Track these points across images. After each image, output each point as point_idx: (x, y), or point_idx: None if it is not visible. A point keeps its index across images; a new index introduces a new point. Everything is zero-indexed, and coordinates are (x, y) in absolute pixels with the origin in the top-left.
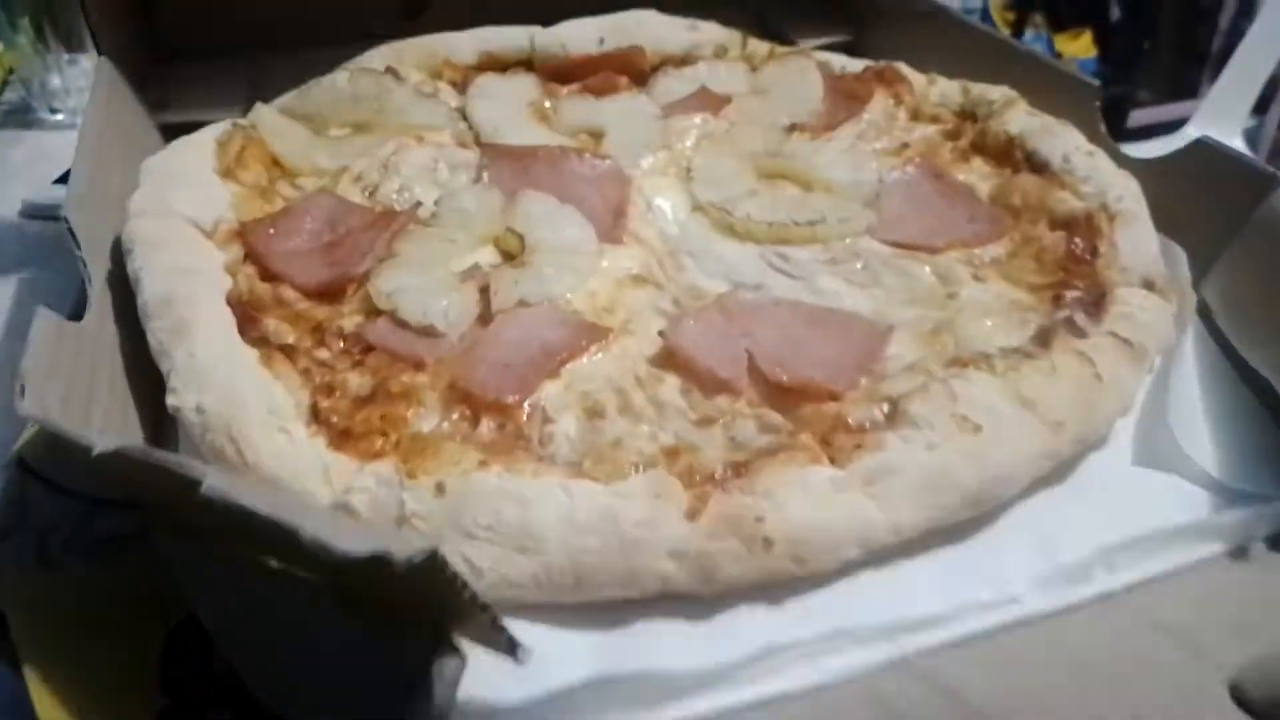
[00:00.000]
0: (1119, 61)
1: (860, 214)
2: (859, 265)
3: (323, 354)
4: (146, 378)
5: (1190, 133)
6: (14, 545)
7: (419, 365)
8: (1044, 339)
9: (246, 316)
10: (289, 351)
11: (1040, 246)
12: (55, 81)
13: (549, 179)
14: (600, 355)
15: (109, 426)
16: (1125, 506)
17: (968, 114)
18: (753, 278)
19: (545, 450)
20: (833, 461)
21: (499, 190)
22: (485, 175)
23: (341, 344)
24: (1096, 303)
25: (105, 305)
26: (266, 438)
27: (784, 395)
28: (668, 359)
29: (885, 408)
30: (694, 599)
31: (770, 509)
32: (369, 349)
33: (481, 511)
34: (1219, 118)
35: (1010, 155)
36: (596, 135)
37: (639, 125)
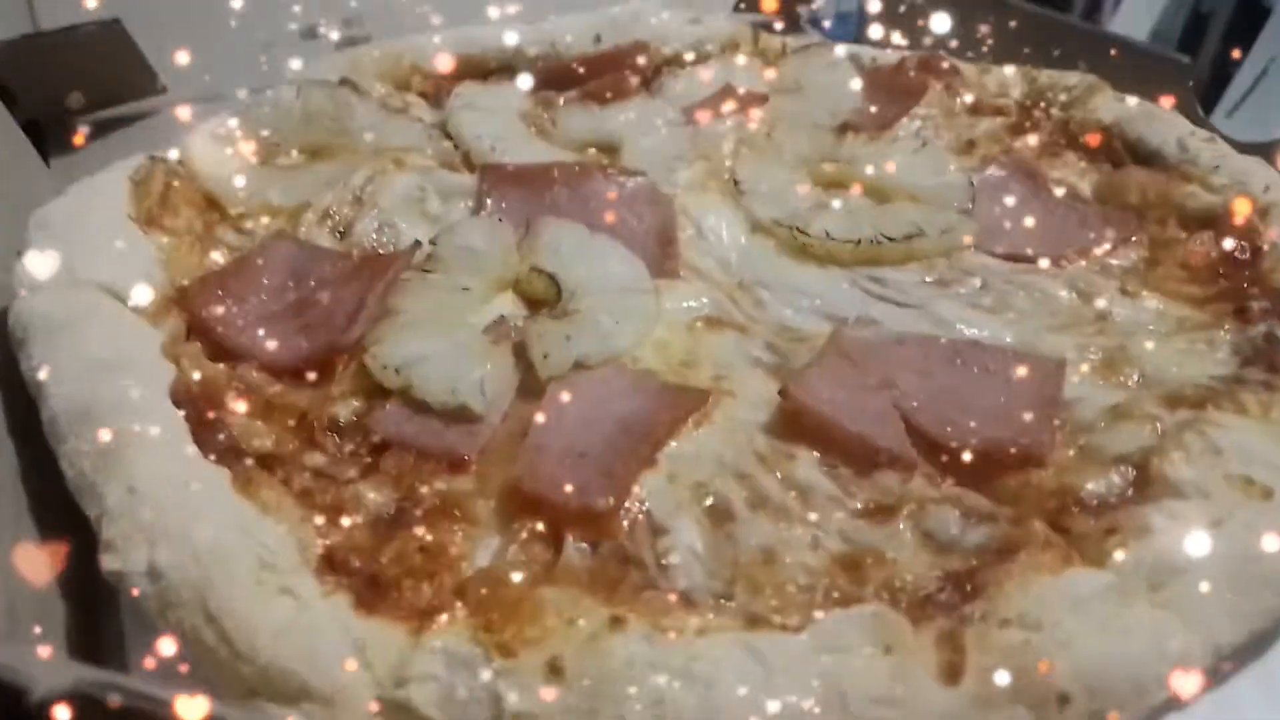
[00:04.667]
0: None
1: (961, 223)
2: (976, 284)
3: (315, 459)
4: (63, 524)
5: None
6: None
7: (457, 464)
8: (1262, 361)
9: (204, 418)
10: (274, 464)
11: (1186, 251)
12: None
13: (570, 204)
14: (702, 429)
15: (20, 624)
16: None
17: (1037, 104)
18: (852, 309)
19: (671, 578)
20: (1084, 557)
21: (508, 221)
22: (488, 203)
23: (338, 441)
24: None
25: None
26: (263, 607)
27: (967, 465)
28: (792, 425)
29: (1128, 472)
30: None
31: (1053, 645)
32: (381, 446)
33: (636, 704)
34: None
35: (1107, 147)
36: (609, 149)
37: (662, 133)
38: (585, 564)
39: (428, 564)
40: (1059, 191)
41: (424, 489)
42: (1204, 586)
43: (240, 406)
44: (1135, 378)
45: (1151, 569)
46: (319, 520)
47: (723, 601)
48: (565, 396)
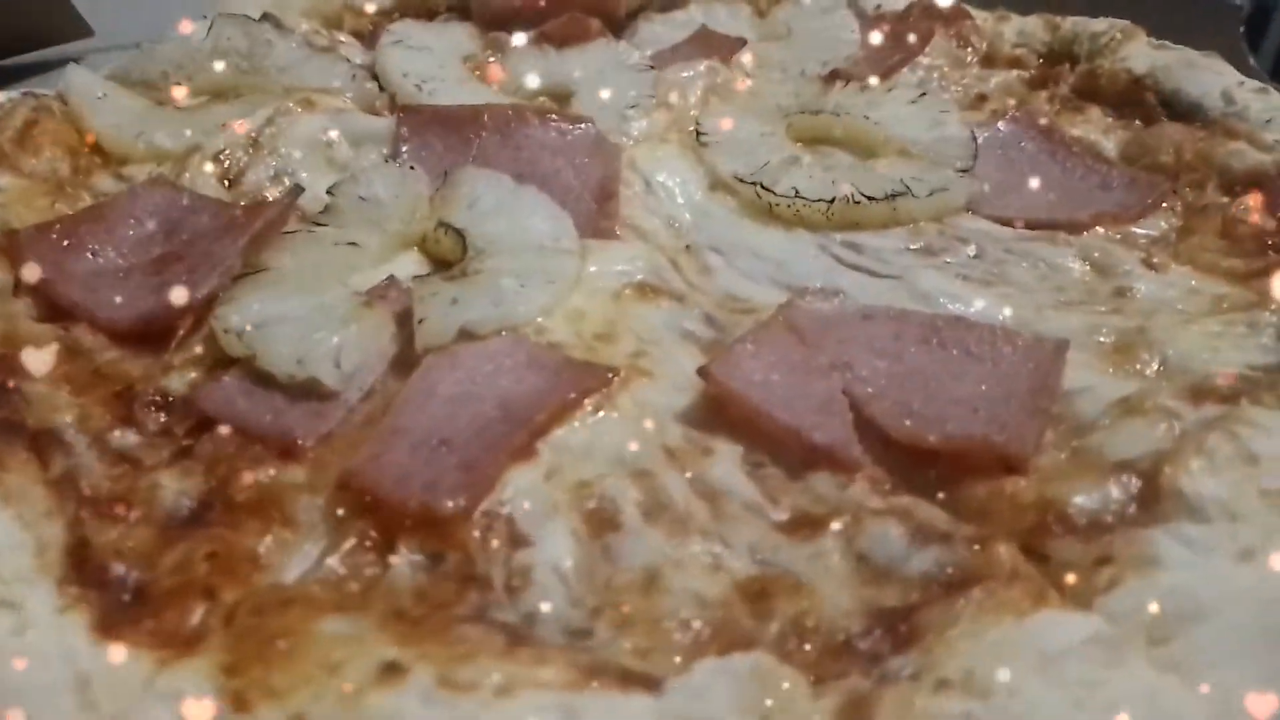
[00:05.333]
0: None
1: (958, 182)
2: (970, 253)
3: (128, 439)
4: None
5: None
6: None
7: (288, 452)
8: None
9: None
10: (42, 445)
11: (1225, 217)
12: None
13: (501, 152)
14: (602, 415)
15: None
16: None
17: (1061, 54)
18: (817, 278)
19: (517, 604)
20: (1063, 595)
21: (425, 170)
22: (405, 150)
23: (163, 419)
24: None
25: None
26: None
27: (926, 467)
28: (716, 414)
29: (1131, 482)
30: None
31: None
32: (206, 426)
33: None
34: None
35: (1138, 100)
36: (562, 97)
37: (621, 79)
38: (415, 582)
39: (214, 576)
40: (1078, 151)
41: (239, 484)
42: (1226, 641)
43: (52, 375)
44: (1155, 366)
45: (1155, 615)
46: (74, 516)
47: (578, 640)
48: (439, 371)
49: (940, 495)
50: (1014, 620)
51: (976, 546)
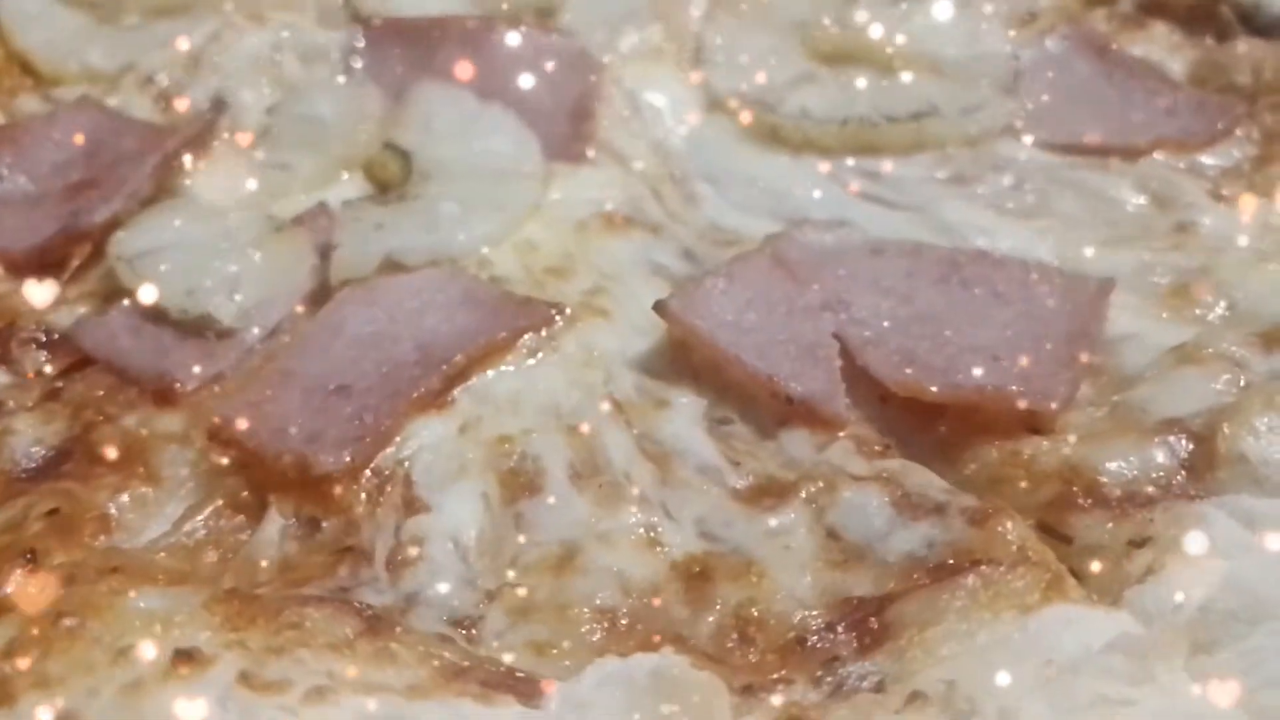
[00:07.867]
0: None
1: (996, 101)
2: (1006, 183)
3: None
4: None
5: None
6: None
7: (164, 396)
8: None
9: None
10: None
11: None
12: None
13: (467, 66)
14: (540, 359)
15: None
16: None
17: None
18: (822, 209)
19: (399, 584)
20: (1085, 584)
21: (381, 87)
22: (359, 65)
23: (43, 358)
24: None
25: None
26: None
27: (928, 428)
28: (678, 361)
29: (1180, 444)
30: None
31: None
32: (82, 365)
33: None
34: None
35: (1210, 14)
36: (548, 11)
37: None
38: (283, 552)
39: (47, 537)
40: (1139, 71)
41: (103, 431)
42: None
43: None
44: (1218, 310)
45: (1200, 612)
46: None
47: (463, 631)
48: (352, 306)
49: (942, 461)
50: (1016, 617)
51: (976, 523)
